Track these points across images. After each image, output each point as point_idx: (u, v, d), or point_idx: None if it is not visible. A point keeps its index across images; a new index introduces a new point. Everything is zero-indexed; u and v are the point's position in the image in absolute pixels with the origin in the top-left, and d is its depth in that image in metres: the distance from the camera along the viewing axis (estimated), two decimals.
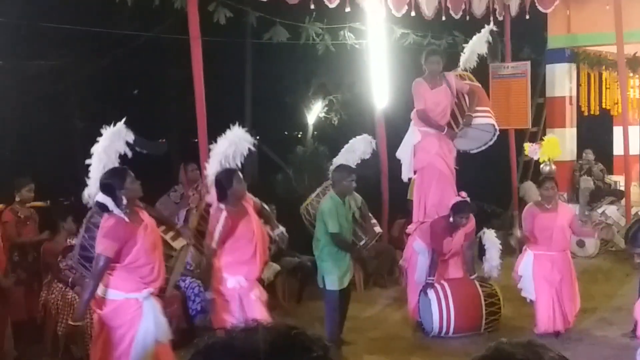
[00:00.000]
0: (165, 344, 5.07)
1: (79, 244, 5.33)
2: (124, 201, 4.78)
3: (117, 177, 4.89)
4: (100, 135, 5.32)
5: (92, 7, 12.28)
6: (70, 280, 6.63)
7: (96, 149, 5.30)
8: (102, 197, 4.81)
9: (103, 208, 4.82)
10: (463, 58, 8.25)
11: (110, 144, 5.26)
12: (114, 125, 5.31)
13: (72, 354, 6.42)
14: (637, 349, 6.44)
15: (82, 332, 6.25)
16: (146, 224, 4.92)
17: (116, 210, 4.75)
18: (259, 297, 5.79)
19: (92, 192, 5.16)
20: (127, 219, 4.78)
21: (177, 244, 5.46)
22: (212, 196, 5.97)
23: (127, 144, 5.29)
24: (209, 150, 6.35)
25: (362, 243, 7.10)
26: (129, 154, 5.32)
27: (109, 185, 4.83)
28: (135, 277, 4.87)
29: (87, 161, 5.33)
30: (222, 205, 5.70)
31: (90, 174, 5.27)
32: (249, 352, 1.26)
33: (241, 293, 5.68)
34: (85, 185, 5.30)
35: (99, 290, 4.89)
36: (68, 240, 6.78)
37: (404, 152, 7.74)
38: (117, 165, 5.20)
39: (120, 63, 14.59)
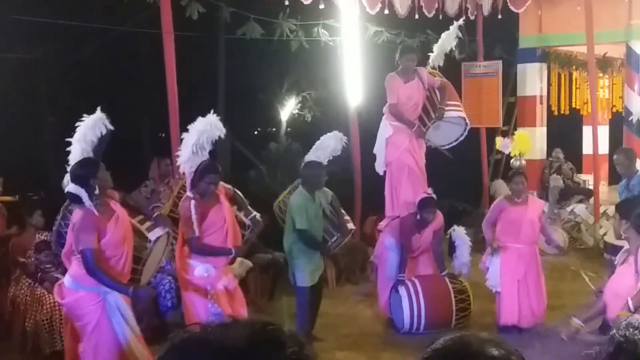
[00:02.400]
0: (138, 335, 5.05)
1: (55, 231, 5.34)
2: (97, 191, 4.76)
3: (88, 167, 4.86)
4: (71, 129, 5.26)
5: (64, 1, 12.14)
6: (39, 275, 6.56)
7: (75, 138, 5.23)
8: (73, 188, 4.76)
9: (75, 199, 4.78)
10: (432, 56, 8.31)
11: (88, 132, 5.20)
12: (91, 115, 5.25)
13: (40, 350, 6.35)
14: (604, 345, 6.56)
15: (50, 328, 6.21)
16: (117, 216, 4.89)
17: (87, 203, 4.72)
18: (228, 285, 5.75)
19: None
20: (96, 212, 4.75)
21: (153, 234, 5.42)
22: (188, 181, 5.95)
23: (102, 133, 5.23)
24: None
25: (333, 239, 7.11)
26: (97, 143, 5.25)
27: (80, 175, 4.79)
28: None
29: (68, 149, 5.26)
30: (190, 194, 5.68)
31: (70, 162, 5.19)
32: (225, 347, 1.25)
33: (209, 281, 5.65)
34: (56, 179, 5.25)
35: (66, 281, 4.87)
36: (37, 235, 6.70)
37: (378, 146, 7.79)
38: (91, 155, 5.15)
39: (92, 57, 14.44)
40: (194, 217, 5.56)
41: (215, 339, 1.27)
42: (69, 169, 5.06)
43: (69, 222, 5.04)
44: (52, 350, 6.28)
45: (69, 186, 4.83)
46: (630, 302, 4.19)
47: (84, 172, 4.81)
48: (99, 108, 5.25)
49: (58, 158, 5.55)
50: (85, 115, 5.23)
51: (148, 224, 5.42)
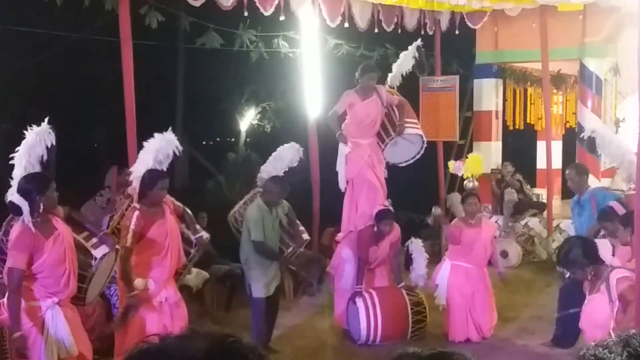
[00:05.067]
0: (71, 358, 4.93)
1: None
2: (41, 209, 4.66)
3: (38, 183, 4.77)
4: (24, 137, 5.18)
5: (19, 6, 11.94)
6: None
7: (19, 150, 5.15)
8: (17, 199, 4.65)
9: (15, 210, 4.68)
10: (390, 75, 8.40)
11: (33, 145, 5.12)
12: (38, 126, 5.18)
13: None
14: (556, 357, 6.67)
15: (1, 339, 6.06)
16: (58, 234, 4.78)
17: (27, 218, 4.61)
18: (169, 299, 5.65)
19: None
20: (33, 230, 4.65)
21: (98, 252, 5.31)
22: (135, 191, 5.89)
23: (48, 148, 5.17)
24: (138, 154, 6.26)
25: (289, 250, 7.11)
26: (46, 157, 5.18)
27: (28, 190, 4.69)
28: (37, 286, 4.76)
29: (12, 162, 5.18)
30: (137, 205, 5.62)
31: (14, 175, 5.10)
32: (184, 359, 1.24)
33: (149, 295, 5.56)
34: (6, 188, 5.15)
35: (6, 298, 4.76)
36: None
37: (339, 163, 7.83)
38: (38, 168, 5.07)
39: (48, 64, 14.22)
40: (132, 227, 5.48)
41: (174, 350, 1.26)
42: (13, 182, 4.97)
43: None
44: None
45: (13, 196, 4.73)
46: (612, 334, 4.22)
47: (31, 187, 4.70)
48: (45, 120, 5.18)
49: (3, 169, 5.44)
50: (32, 126, 5.16)
51: (94, 240, 5.31)
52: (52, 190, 4.79)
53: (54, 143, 5.18)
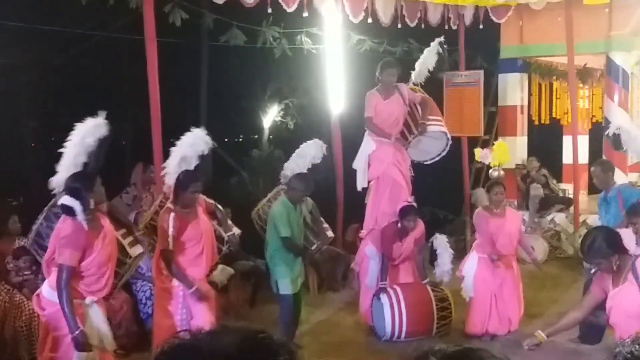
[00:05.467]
0: (108, 352, 5.00)
1: (35, 230, 5.25)
2: (92, 205, 4.72)
3: (85, 180, 4.83)
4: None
5: (45, 5, 12.06)
6: (20, 281, 6.49)
7: (72, 139, 5.19)
8: (68, 200, 4.70)
9: (69, 211, 4.72)
10: (414, 73, 8.34)
11: (86, 136, 5.16)
12: (88, 120, 5.19)
13: (19, 357, 6.28)
14: (585, 353, 6.61)
15: (29, 335, 6.15)
16: (105, 233, 4.86)
17: (80, 217, 4.67)
18: (206, 294, 5.73)
19: (60, 180, 5.06)
20: (86, 227, 4.70)
21: (134, 251, 5.38)
22: (169, 189, 5.93)
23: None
24: (163, 151, 6.30)
25: (313, 247, 7.13)
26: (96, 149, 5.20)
27: (76, 188, 4.74)
28: (80, 284, 4.81)
29: (60, 150, 5.20)
30: (171, 206, 5.66)
31: (61, 162, 5.15)
32: (216, 355, 1.24)
33: (186, 293, 5.62)
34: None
35: (44, 291, 4.82)
36: (18, 241, 6.63)
37: (359, 162, 7.80)
38: (84, 159, 5.11)
39: (74, 62, 14.34)
40: (171, 229, 5.53)
41: (206, 346, 1.26)
42: (65, 167, 5.00)
43: (51, 224, 4.99)
44: (30, 358, 6.21)
45: (63, 198, 4.77)
46: None
47: (80, 185, 4.77)
48: (102, 113, 5.21)
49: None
50: (82, 119, 5.16)
51: (130, 238, 5.39)
52: (99, 185, 4.89)
53: (107, 135, 5.17)
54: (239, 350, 1.24)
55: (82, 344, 4.69)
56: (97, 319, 4.90)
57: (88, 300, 4.84)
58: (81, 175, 4.92)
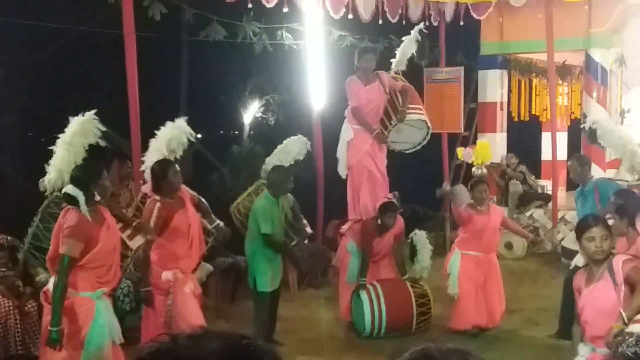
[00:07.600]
0: (117, 345, 4.96)
1: (31, 233, 5.20)
2: (97, 197, 4.68)
3: (92, 171, 4.80)
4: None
5: (23, 0, 11.91)
6: None
7: (63, 138, 5.11)
8: (72, 190, 4.66)
9: (72, 201, 4.67)
10: (394, 61, 8.29)
11: (78, 134, 5.10)
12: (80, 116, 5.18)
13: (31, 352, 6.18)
14: (563, 349, 6.64)
15: (5, 332, 6.07)
16: (108, 224, 4.82)
17: (83, 208, 4.62)
18: (193, 290, 5.69)
19: (52, 180, 4.99)
20: (90, 218, 4.66)
21: (133, 243, 5.35)
22: (148, 187, 5.87)
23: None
24: (141, 147, 6.25)
25: (293, 243, 7.11)
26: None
27: (83, 179, 4.71)
28: (91, 276, 4.77)
29: (51, 147, 5.17)
30: (157, 197, 5.60)
31: (52, 162, 5.08)
32: None
33: (175, 287, 5.57)
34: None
35: (52, 285, 4.75)
36: None
37: (340, 150, 7.73)
38: (83, 156, 5.08)
39: (51, 57, 14.20)
40: (153, 219, 5.48)
41: (186, 351, 1.21)
42: (57, 167, 4.95)
43: (48, 225, 4.93)
44: (6, 355, 6.13)
45: (67, 187, 4.73)
46: (623, 314, 4.18)
47: (86, 177, 4.73)
48: (93, 111, 5.19)
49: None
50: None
51: (128, 231, 5.36)
52: (105, 179, 4.84)
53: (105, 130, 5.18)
54: (221, 356, 1.20)
55: (54, 341, 4.62)
56: (107, 313, 4.85)
57: (99, 292, 4.78)
58: (87, 166, 4.90)
